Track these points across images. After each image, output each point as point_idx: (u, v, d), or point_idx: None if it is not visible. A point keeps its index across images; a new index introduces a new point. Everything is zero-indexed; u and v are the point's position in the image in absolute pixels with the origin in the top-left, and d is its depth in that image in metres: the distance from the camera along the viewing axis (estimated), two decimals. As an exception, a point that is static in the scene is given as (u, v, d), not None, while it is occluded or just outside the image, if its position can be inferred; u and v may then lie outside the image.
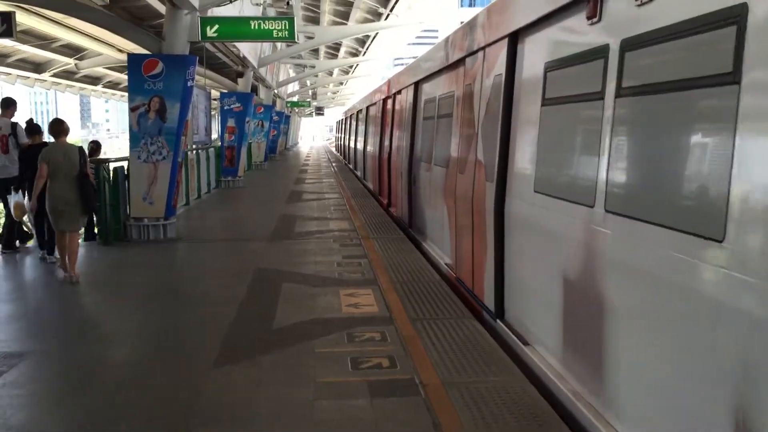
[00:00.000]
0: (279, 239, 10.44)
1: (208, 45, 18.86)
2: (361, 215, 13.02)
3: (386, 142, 14.94)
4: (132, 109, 10.32)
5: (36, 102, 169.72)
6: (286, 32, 10.58)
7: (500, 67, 5.95)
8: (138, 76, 10.25)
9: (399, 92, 13.16)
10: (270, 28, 10.60)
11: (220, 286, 7.49)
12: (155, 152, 10.33)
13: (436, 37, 79.19)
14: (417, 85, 10.93)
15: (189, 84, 10.40)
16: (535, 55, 5.28)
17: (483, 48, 6.56)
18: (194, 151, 16.47)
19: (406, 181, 11.37)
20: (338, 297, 6.78)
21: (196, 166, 16.22)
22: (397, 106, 13.66)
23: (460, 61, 7.65)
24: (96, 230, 10.28)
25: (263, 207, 14.98)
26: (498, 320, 5.80)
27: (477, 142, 6.60)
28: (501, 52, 5.93)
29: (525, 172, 5.31)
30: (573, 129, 4.50)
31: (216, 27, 10.51)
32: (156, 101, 10.25)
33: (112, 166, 10.34)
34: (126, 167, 10.57)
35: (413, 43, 57.53)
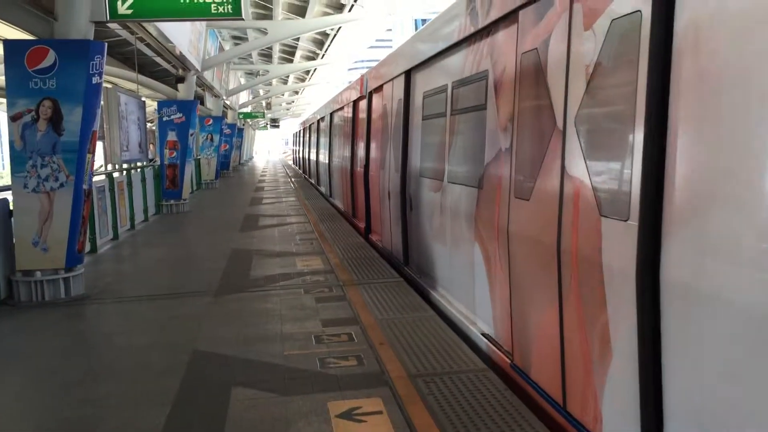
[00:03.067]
0: (228, 292, 7.49)
1: (139, 45, 15.85)
2: (335, 247, 10.17)
3: (361, 153, 12.14)
4: (12, 118, 7.30)
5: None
6: (230, 6, 7.67)
7: (620, 5, 3.18)
8: (20, 72, 7.24)
9: (379, 89, 10.35)
10: (207, 0, 7.68)
11: (130, 399, 4.52)
12: (48, 177, 7.33)
13: (390, 46, 75.80)
14: (409, 74, 8.15)
15: (94, 81, 7.43)
16: None
17: (569, -19, 3.78)
18: (124, 172, 13.44)
19: (399, 203, 8.55)
20: (328, 422, 3.91)
21: (127, 190, 13.16)
22: (375, 107, 10.86)
23: (503, 21, 4.88)
24: None
25: (210, 239, 11.93)
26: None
27: (562, 148, 3.81)
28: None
29: (735, 207, 2.52)
30: None
31: (130, 0, 7.56)
32: (47, 106, 7.26)
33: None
34: (9, 200, 7.56)
35: (370, 46, 54.22)
